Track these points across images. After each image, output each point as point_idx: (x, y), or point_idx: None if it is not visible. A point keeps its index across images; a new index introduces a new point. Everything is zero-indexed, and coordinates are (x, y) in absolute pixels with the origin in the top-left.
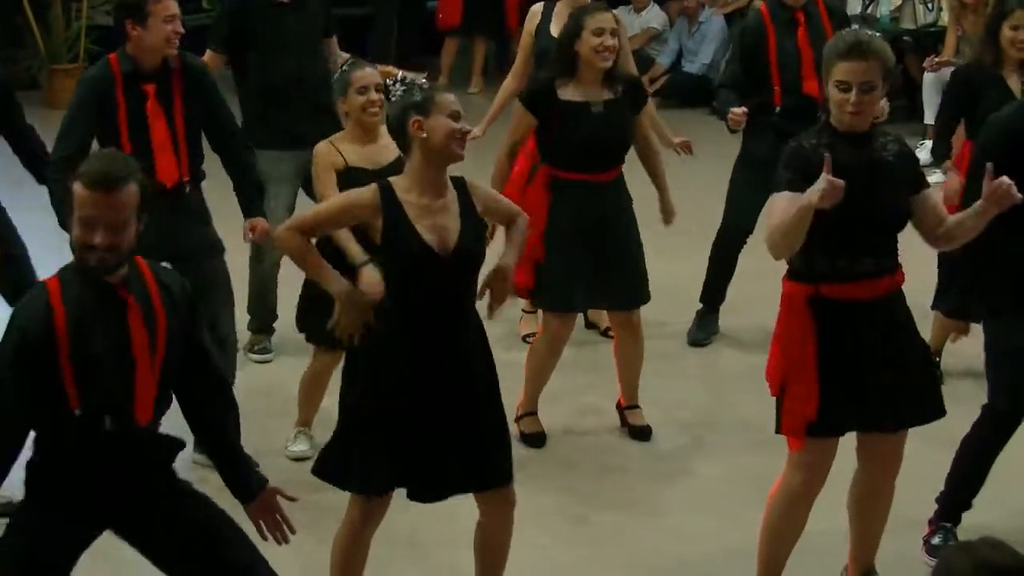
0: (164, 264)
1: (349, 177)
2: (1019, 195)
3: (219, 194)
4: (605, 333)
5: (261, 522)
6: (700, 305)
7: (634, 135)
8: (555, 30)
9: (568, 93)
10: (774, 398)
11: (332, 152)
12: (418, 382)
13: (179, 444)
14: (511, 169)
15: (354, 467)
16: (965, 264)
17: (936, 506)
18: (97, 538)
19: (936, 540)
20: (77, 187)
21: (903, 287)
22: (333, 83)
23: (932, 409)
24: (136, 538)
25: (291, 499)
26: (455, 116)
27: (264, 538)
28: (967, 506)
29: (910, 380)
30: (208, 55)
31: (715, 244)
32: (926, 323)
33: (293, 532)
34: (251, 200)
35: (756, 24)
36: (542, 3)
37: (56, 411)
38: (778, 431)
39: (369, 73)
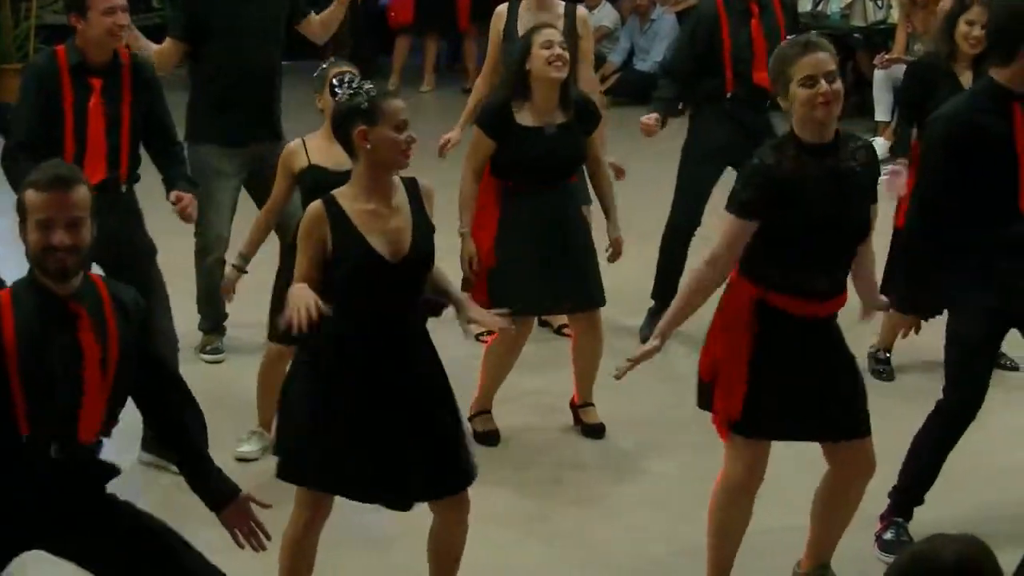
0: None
1: (311, 175)
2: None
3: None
4: (559, 331)
5: (236, 530)
6: (652, 303)
7: (585, 154)
8: (522, 30)
9: (523, 117)
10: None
11: (298, 150)
12: (370, 388)
13: (114, 471)
14: (477, 191)
15: (304, 464)
16: (917, 260)
17: (888, 501)
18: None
19: (888, 536)
20: (30, 195)
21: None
22: (313, 77)
23: (853, 428)
24: (73, 556)
25: (265, 506)
26: (401, 127)
27: (240, 546)
28: (919, 501)
29: (836, 400)
30: (167, 43)
31: (664, 240)
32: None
33: (268, 539)
34: (175, 178)
35: (711, 12)
36: (506, 3)
37: (2, 434)
38: (700, 406)
39: (347, 72)
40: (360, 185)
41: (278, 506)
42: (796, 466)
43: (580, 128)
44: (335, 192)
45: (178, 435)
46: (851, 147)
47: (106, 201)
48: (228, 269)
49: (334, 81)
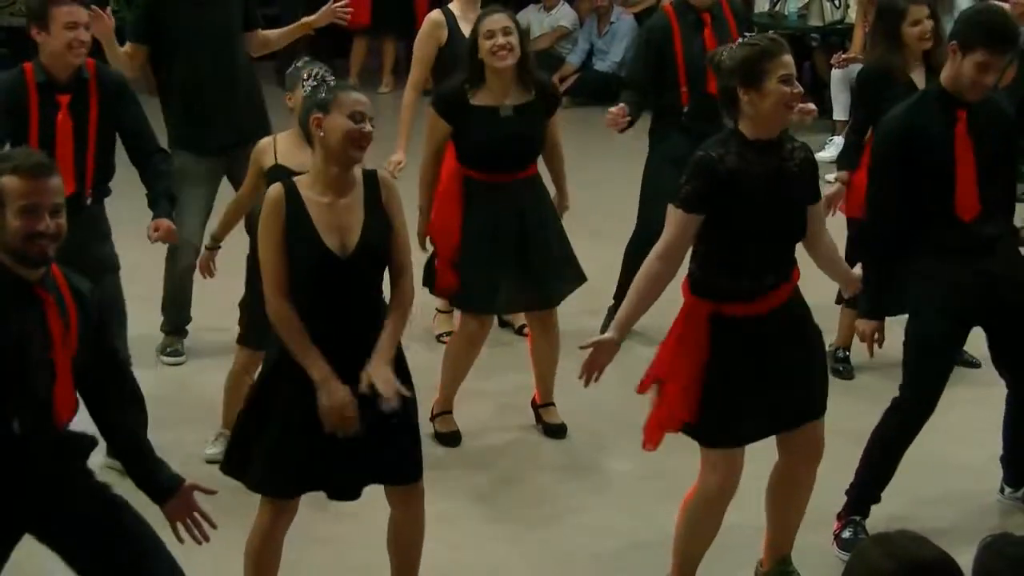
0: None
1: (274, 175)
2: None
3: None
4: (519, 331)
5: (178, 523)
6: (612, 302)
7: (543, 136)
8: (467, 31)
9: (479, 98)
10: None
11: (267, 149)
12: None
13: (92, 441)
14: (438, 177)
15: (261, 468)
16: (874, 262)
17: (845, 499)
18: (17, 543)
19: (846, 534)
20: (9, 180)
21: (800, 282)
22: (286, 76)
23: (819, 403)
24: (56, 543)
25: (210, 492)
26: (356, 117)
27: (180, 540)
28: (876, 500)
29: (807, 374)
30: (128, 47)
31: (628, 247)
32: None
33: (214, 527)
34: (158, 203)
35: (662, 23)
36: (439, 12)
37: None
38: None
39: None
40: (315, 175)
41: (245, 506)
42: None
43: (540, 108)
44: (296, 179)
45: (120, 427)
46: (788, 147)
47: (68, 215)
48: (201, 252)
49: (304, 75)
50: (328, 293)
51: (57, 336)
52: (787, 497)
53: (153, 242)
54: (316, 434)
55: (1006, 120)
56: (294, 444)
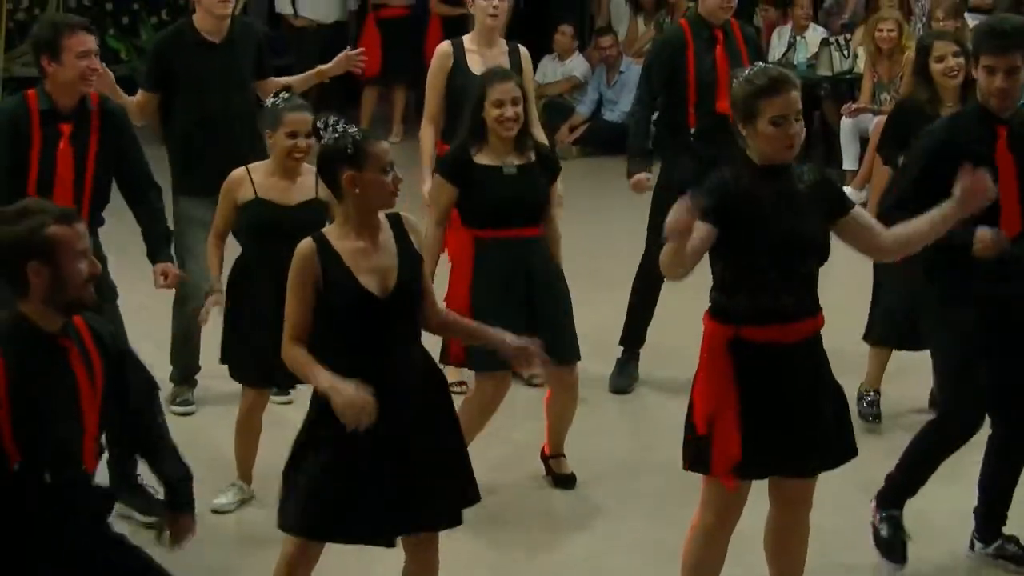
0: None
1: (257, 209)
2: (992, 191)
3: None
4: (529, 381)
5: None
6: (619, 351)
7: (547, 196)
8: (476, 69)
9: (482, 158)
10: (686, 438)
11: (242, 181)
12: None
13: (112, 496)
14: (441, 241)
15: (294, 507)
16: (904, 290)
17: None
18: None
19: (884, 531)
20: (60, 230)
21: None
22: (264, 111)
23: (843, 453)
24: None
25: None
26: (387, 168)
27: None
28: (911, 493)
29: (825, 426)
30: (140, 95)
31: (636, 283)
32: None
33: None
34: (157, 246)
35: (678, 36)
36: (448, 43)
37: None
38: (685, 467)
39: (303, 118)
40: (348, 225)
41: (260, 549)
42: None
43: (541, 171)
44: (324, 231)
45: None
46: (798, 171)
47: None
48: (209, 299)
49: (318, 124)
50: (372, 334)
51: (84, 384)
52: (786, 546)
53: (159, 288)
54: (354, 478)
55: None
56: (331, 486)
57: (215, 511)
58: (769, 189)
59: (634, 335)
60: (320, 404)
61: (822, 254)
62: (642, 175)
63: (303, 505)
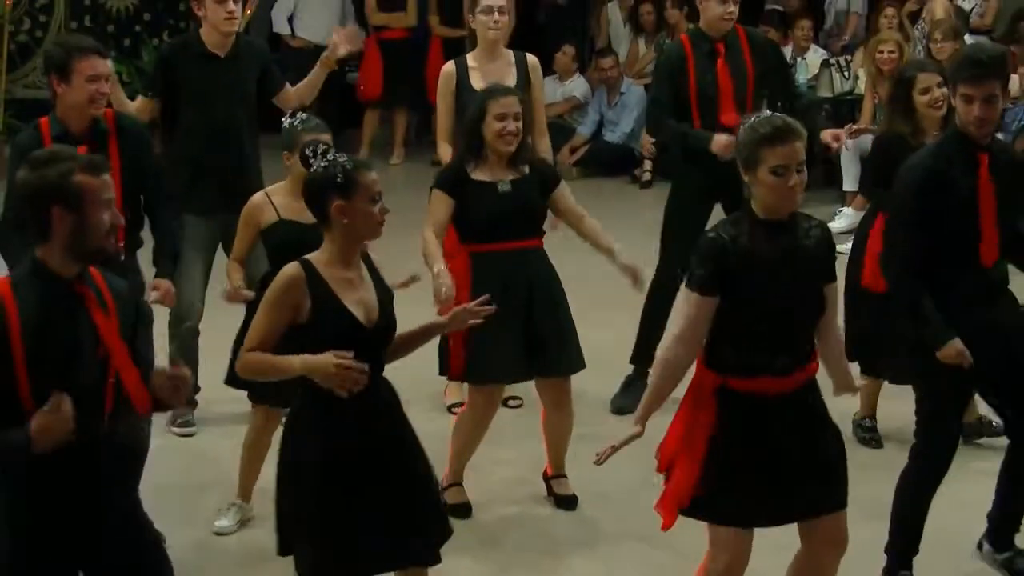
0: None
1: (282, 229)
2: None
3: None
4: (505, 403)
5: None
6: (623, 373)
7: (543, 209)
8: (478, 84)
9: (479, 173)
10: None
11: (264, 206)
12: (353, 456)
13: (143, 454)
14: (441, 246)
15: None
16: (917, 304)
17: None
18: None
19: None
20: (85, 179)
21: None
22: (282, 133)
23: (832, 503)
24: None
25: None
26: (376, 199)
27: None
28: (915, 550)
29: (821, 471)
30: (139, 100)
31: (649, 297)
32: None
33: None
34: (163, 263)
35: (677, 52)
36: (452, 63)
37: (11, 421)
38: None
39: (321, 139)
40: (334, 253)
41: (263, 563)
42: (769, 548)
43: (536, 183)
44: (310, 257)
45: None
46: (805, 226)
47: (100, 267)
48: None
49: (307, 151)
50: (358, 360)
51: (104, 328)
52: None
53: (152, 302)
54: (353, 507)
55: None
56: (334, 527)
57: (217, 533)
58: (772, 247)
59: (645, 352)
60: (298, 431)
61: (820, 312)
62: (718, 136)
63: (313, 559)
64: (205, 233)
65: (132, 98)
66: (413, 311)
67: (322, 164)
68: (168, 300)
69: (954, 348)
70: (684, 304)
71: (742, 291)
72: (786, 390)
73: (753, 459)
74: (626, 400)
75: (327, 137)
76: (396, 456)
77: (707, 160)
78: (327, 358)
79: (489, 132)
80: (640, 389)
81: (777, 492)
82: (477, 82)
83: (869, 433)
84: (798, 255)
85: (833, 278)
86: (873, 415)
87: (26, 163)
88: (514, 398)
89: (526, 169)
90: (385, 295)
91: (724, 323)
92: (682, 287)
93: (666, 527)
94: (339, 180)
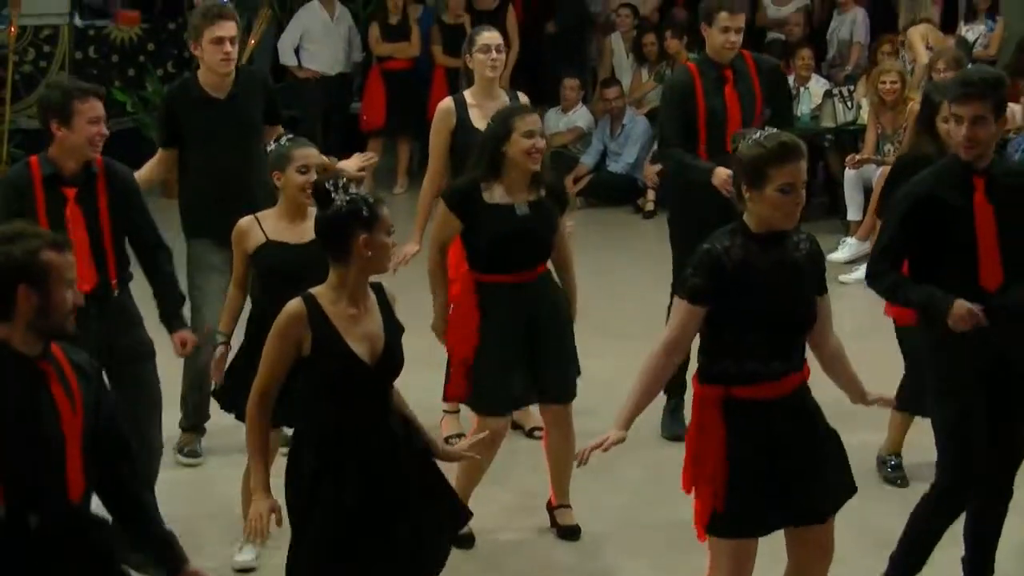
0: None
1: (269, 251)
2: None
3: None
4: (530, 434)
5: None
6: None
7: (556, 234)
8: (479, 123)
9: (493, 196)
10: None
11: (251, 229)
12: (358, 490)
13: (105, 523)
14: (446, 268)
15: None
16: (906, 286)
17: None
18: None
19: None
20: (52, 256)
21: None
22: (268, 154)
23: (845, 490)
24: None
25: None
26: (391, 231)
27: None
28: None
29: (825, 467)
30: (160, 153)
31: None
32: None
33: None
34: (173, 312)
35: (684, 79)
36: (449, 100)
37: None
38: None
39: (312, 153)
40: (342, 288)
41: None
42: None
43: (552, 207)
44: (314, 292)
45: (129, 498)
46: (795, 239)
47: (96, 307)
48: (215, 351)
49: (328, 185)
50: (360, 397)
51: (64, 408)
52: None
53: (180, 355)
54: (352, 540)
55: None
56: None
57: (239, 570)
58: (765, 259)
59: (676, 380)
60: (298, 480)
61: (812, 323)
62: (720, 169)
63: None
64: (219, 260)
65: (136, 129)
66: (413, 341)
67: (345, 198)
68: (191, 349)
69: (963, 307)
70: (675, 311)
71: (737, 302)
72: (785, 393)
73: (760, 466)
74: (677, 426)
75: (315, 153)
76: (400, 501)
77: (704, 191)
78: (263, 508)
79: (516, 150)
80: (684, 413)
81: (778, 498)
82: (477, 120)
83: (895, 472)
84: (789, 267)
85: (824, 291)
86: (899, 452)
87: None
88: (538, 428)
89: (542, 191)
90: (392, 328)
91: (720, 335)
92: (675, 296)
93: (700, 539)
94: (365, 214)
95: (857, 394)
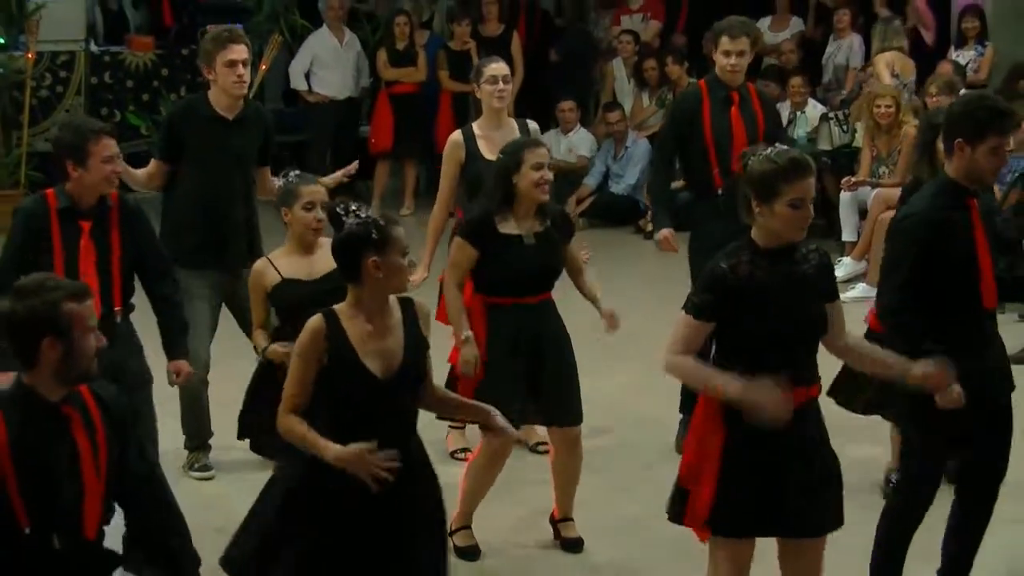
0: None
1: (285, 290)
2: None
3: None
4: (534, 448)
5: None
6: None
7: (563, 264)
8: (488, 153)
9: (505, 226)
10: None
11: (265, 270)
12: (365, 507)
13: (117, 557)
14: (462, 298)
15: None
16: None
17: None
18: None
19: None
20: (74, 306)
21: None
22: (276, 191)
23: (827, 522)
24: None
25: None
26: (406, 252)
27: None
28: None
29: (827, 485)
30: (152, 164)
31: None
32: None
33: None
34: (175, 341)
35: (694, 94)
36: (459, 133)
37: (4, 533)
38: (670, 518)
39: (317, 189)
40: (360, 306)
41: None
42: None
43: (557, 237)
44: (336, 308)
45: (153, 534)
46: (803, 251)
47: (104, 335)
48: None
49: (338, 209)
50: (374, 413)
51: (85, 451)
52: None
53: (173, 385)
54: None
55: (995, 210)
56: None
57: None
58: (774, 274)
59: (693, 396)
60: (293, 493)
61: (821, 330)
62: (665, 230)
63: None
64: (207, 288)
65: (151, 152)
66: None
67: (355, 222)
68: (183, 380)
69: (956, 390)
70: (679, 324)
71: (744, 317)
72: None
73: (759, 471)
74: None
75: (322, 190)
76: (403, 528)
77: (724, 213)
78: (359, 452)
79: (525, 182)
80: None
81: (772, 505)
82: (485, 150)
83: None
84: (798, 280)
85: (836, 297)
86: None
87: (12, 293)
88: (543, 443)
89: (548, 221)
90: (414, 344)
91: (730, 349)
92: (681, 310)
93: (703, 540)
94: (375, 236)
95: (886, 366)
